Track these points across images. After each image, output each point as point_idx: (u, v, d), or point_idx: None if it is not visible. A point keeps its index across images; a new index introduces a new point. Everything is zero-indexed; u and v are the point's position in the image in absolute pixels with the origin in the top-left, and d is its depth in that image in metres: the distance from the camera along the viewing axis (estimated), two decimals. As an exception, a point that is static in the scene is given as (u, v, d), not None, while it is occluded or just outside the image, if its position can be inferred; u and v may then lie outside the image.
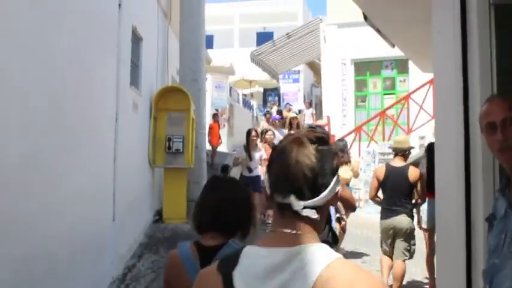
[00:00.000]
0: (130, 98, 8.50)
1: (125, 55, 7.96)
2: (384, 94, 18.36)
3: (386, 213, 7.08)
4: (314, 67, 30.79)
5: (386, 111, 16.47)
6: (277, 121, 15.86)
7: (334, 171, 1.46)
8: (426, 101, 15.01)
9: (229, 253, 1.55)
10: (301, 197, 1.41)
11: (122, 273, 7.42)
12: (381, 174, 7.16)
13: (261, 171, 10.31)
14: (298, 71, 34.10)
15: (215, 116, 17.50)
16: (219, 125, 17.46)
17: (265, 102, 33.10)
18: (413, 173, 7.07)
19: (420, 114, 15.58)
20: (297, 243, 1.39)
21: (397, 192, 6.98)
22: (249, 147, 10.65)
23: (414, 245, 7.05)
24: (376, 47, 12.23)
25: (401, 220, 6.96)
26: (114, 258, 7.19)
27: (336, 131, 17.04)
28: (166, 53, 11.97)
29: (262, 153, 10.68)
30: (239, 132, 18.02)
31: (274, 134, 12.20)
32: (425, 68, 8.85)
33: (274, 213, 1.48)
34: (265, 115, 19.96)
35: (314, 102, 38.49)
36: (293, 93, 33.11)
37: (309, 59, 24.47)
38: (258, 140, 11.25)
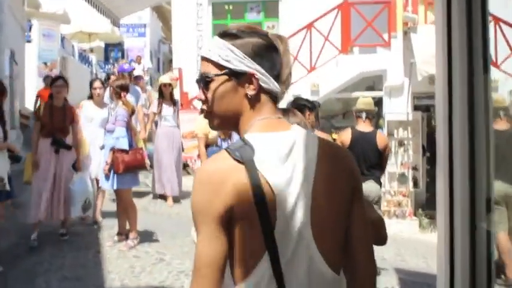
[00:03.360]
0: None
1: None
2: None
3: None
4: (164, 16, 27.99)
5: None
6: (126, 74, 12.52)
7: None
8: (301, 52, 12.72)
9: (235, 144, 1.57)
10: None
11: None
12: (347, 139, 6.79)
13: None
14: (145, 25, 31.76)
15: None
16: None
17: (107, 58, 29.84)
18: (382, 140, 6.85)
19: (294, 68, 12.47)
20: (287, 127, 1.63)
21: (366, 160, 6.66)
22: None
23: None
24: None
25: (369, 187, 6.55)
26: None
27: (190, 88, 14.16)
28: None
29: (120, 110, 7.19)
30: (73, 92, 13.30)
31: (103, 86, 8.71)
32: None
33: (258, 102, 1.63)
34: (108, 78, 16.00)
35: (162, 61, 36.00)
36: (139, 49, 30.02)
37: (156, 1, 21.08)
38: (107, 94, 8.37)
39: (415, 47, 11.53)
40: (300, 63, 12.85)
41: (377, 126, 12.69)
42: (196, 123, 7.82)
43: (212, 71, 1.63)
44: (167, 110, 9.75)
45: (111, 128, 7.09)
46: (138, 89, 11.94)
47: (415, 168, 11.32)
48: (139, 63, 22.10)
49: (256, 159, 1.51)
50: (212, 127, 1.72)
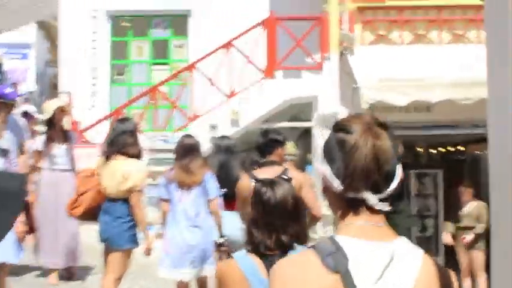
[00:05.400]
0: None
1: None
2: (153, 64, 14.20)
3: None
4: (51, 35, 25.25)
5: (158, 88, 11.84)
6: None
7: (398, 156, 1.48)
8: (219, 74, 11.15)
9: (322, 244, 1.43)
10: (375, 190, 1.44)
11: None
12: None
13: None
14: (29, 45, 28.99)
15: None
16: None
17: (-19, 81, 26.40)
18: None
19: (210, 93, 11.30)
20: (389, 236, 1.45)
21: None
22: None
23: None
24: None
25: None
26: None
27: (82, 116, 12.14)
28: None
29: None
30: None
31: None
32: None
33: (339, 207, 1.50)
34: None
35: (48, 85, 33.28)
36: (21, 71, 27.18)
37: (41, 15, 18.38)
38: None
39: (356, 71, 9.88)
40: (218, 88, 11.21)
41: (305, 161, 11.01)
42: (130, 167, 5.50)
43: None
44: (58, 147, 7.25)
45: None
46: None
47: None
48: (15, 89, 19.16)
49: (351, 268, 1.37)
50: None
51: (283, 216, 2.68)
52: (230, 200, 5.89)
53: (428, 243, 10.46)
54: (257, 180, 3.06)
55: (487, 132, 2.10)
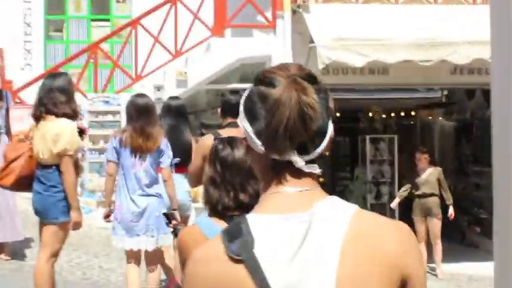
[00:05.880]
0: None
1: None
2: (92, 20, 13.42)
3: None
4: None
5: (99, 46, 11.04)
6: None
7: (330, 113, 1.35)
8: (165, 31, 10.58)
9: (229, 228, 1.29)
10: (303, 151, 1.30)
11: None
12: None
13: None
14: None
15: None
16: None
17: None
18: None
19: (155, 51, 10.66)
20: (309, 204, 1.27)
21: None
22: None
23: None
24: None
25: None
26: None
27: (15, 75, 11.14)
28: None
29: None
30: None
31: None
32: None
33: (265, 172, 1.35)
34: None
35: None
36: None
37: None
38: None
39: (312, 29, 9.36)
40: (164, 46, 10.57)
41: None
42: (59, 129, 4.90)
43: None
44: None
45: None
46: None
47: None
48: None
49: (257, 254, 1.21)
50: None
51: (242, 175, 2.60)
52: (180, 165, 5.74)
53: (383, 210, 10.18)
54: (216, 139, 3.04)
55: (491, 132, 1.76)
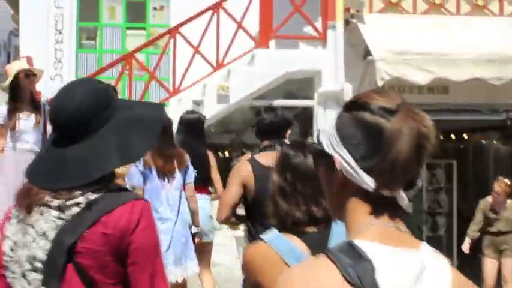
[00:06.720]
0: None
1: None
2: (128, 28, 13.46)
3: None
4: (13, 1, 24.47)
5: (134, 55, 10.82)
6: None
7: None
8: (205, 41, 10.09)
9: (338, 251, 1.20)
10: (407, 187, 1.25)
11: None
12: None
13: None
14: None
15: None
16: None
17: None
18: None
19: (194, 62, 10.27)
20: (414, 243, 1.25)
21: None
22: None
23: None
24: None
25: None
26: None
27: (44, 86, 10.73)
28: None
29: None
30: None
31: None
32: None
33: (355, 206, 1.26)
34: None
35: (13, 56, 32.94)
36: None
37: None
38: None
39: (369, 41, 8.67)
40: (204, 57, 10.10)
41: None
42: None
43: None
44: (25, 122, 6.22)
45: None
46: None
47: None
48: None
49: (381, 281, 1.15)
50: None
51: (315, 185, 2.26)
52: (201, 183, 5.87)
53: (439, 244, 9.36)
54: (283, 144, 3.23)
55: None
